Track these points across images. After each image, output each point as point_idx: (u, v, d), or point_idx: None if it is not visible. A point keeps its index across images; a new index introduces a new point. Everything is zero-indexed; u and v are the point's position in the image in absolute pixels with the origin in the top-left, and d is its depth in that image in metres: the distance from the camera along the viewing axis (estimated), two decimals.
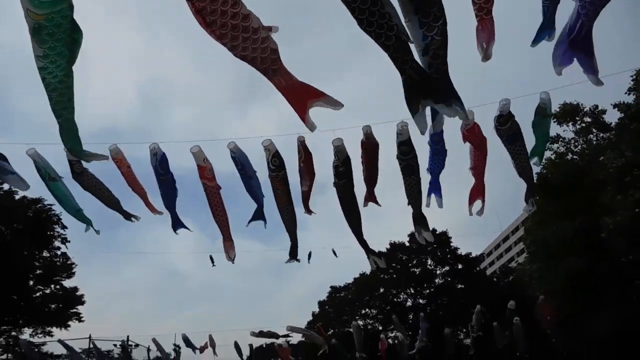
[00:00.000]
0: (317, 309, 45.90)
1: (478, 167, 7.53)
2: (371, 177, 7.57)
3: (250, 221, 8.18)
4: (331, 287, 44.68)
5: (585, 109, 23.36)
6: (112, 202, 7.78)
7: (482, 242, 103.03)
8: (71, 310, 28.52)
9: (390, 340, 33.23)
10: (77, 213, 7.88)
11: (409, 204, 7.63)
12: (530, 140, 7.34)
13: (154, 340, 21.82)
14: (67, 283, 28.83)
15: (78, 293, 29.12)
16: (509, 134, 6.92)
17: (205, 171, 7.42)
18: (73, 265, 28.73)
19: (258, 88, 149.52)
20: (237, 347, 21.96)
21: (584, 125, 23.34)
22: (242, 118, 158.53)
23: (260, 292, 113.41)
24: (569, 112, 23.56)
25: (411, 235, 43.98)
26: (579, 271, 20.97)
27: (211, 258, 25.70)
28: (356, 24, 3.79)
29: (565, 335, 23.48)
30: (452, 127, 6.85)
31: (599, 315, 20.94)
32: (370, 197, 7.70)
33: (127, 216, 8.11)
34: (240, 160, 7.39)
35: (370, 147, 7.22)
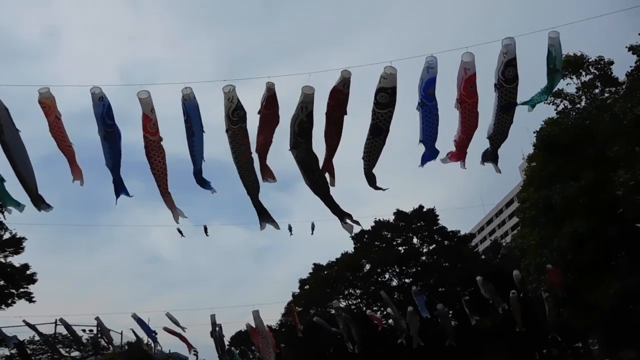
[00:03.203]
0: (298, 290, 43.57)
1: (463, 141, 7.14)
2: (335, 143, 6.79)
3: (203, 185, 7.52)
4: (314, 264, 42.29)
5: (590, 60, 21.26)
6: (29, 179, 6.95)
7: (465, 225, 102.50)
8: (21, 290, 25.54)
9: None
10: None
11: (363, 159, 6.98)
12: (530, 86, 7.30)
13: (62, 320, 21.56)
14: (17, 260, 25.82)
15: (29, 271, 26.14)
16: (508, 101, 6.59)
17: (149, 124, 6.80)
18: (22, 240, 25.65)
19: (241, 69, 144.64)
20: (213, 320, 20.91)
21: (589, 78, 21.22)
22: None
23: (243, 275, 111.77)
24: (572, 64, 21.43)
25: (397, 213, 41.99)
26: (583, 235, 18.99)
27: (179, 230, 23.59)
28: None
29: (566, 308, 21.59)
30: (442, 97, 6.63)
31: (604, 288, 18.92)
32: (329, 167, 6.93)
33: (38, 203, 7.24)
34: (189, 111, 6.63)
35: (342, 101, 6.30)
